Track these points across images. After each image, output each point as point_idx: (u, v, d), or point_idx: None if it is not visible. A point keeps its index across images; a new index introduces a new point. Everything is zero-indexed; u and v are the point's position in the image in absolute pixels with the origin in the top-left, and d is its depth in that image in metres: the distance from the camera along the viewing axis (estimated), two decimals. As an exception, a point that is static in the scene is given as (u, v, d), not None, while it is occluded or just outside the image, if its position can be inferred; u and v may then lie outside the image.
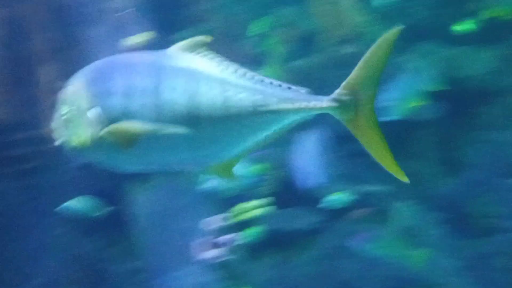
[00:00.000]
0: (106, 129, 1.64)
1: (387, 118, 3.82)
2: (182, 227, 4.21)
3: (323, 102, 1.70)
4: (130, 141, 1.62)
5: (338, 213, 4.32)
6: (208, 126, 1.62)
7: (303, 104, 1.68)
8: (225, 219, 4.16)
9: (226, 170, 1.74)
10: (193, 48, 1.69)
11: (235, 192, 4.16)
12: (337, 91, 1.72)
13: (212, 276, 4.18)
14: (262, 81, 1.69)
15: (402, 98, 3.90)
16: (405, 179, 1.72)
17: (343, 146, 4.17)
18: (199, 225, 4.17)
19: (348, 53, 4.44)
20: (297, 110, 1.68)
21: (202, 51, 1.71)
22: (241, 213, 4.19)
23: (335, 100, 1.71)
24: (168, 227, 4.21)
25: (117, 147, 1.65)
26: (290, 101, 1.67)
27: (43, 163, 4.53)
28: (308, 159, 4.27)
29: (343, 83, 1.72)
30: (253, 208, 4.20)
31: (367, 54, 1.69)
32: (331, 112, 1.71)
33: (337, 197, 4.26)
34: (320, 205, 4.20)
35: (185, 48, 1.70)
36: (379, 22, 4.45)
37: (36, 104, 4.59)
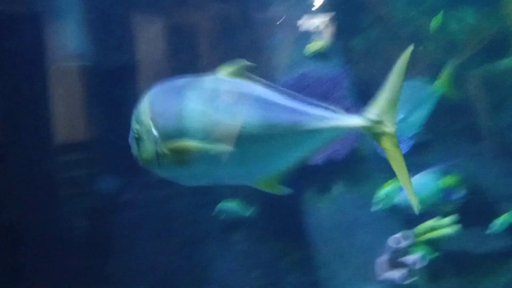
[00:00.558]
0: (165, 147, 1.85)
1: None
2: (365, 242, 4.06)
3: (356, 121, 1.88)
4: (186, 158, 1.84)
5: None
6: (253, 144, 1.84)
7: (338, 123, 1.86)
8: (409, 237, 3.93)
9: (271, 184, 1.96)
10: (239, 72, 1.89)
11: (422, 208, 3.91)
12: (368, 110, 1.89)
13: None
14: (302, 101, 1.89)
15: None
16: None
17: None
18: (383, 242, 3.99)
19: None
20: (332, 129, 1.87)
21: (246, 75, 1.89)
22: (427, 231, 3.92)
23: (367, 119, 1.88)
24: (350, 240, 4.08)
25: (176, 163, 1.86)
26: (327, 119, 1.86)
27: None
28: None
29: (373, 103, 1.88)
30: (440, 226, 3.92)
31: (391, 75, 1.85)
32: (362, 131, 1.89)
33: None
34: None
35: (232, 73, 1.90)
36: None
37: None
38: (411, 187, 1.88)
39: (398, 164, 1.86)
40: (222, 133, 1.82)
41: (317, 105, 1.91)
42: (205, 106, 1.85)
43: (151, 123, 1.88)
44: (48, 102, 4.42)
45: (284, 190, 2.00)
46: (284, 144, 1.88)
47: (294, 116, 1.88)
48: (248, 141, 1.85)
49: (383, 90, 1.88)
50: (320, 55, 4.46)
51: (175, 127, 1.85)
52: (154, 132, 1.87)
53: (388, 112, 1.87)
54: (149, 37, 4.95)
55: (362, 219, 4.10)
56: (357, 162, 4.17)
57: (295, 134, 1.88)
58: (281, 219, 4.44)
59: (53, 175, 4.51)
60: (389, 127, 1.88)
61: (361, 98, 4.50)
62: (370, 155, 4.29)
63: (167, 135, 1.86)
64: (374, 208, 3.89)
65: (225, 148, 1.83)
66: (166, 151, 1.86)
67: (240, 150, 1.84)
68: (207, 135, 1.83)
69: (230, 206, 4.36)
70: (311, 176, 4.20)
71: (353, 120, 1.90)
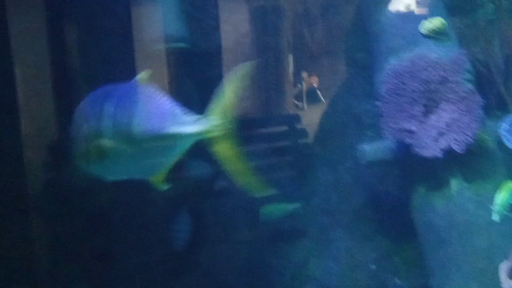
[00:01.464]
0: (89, 145, 2.10)
1: None
2: (484, 245, 3.60)
3: (197, 127, 2.09)
4: (99, 155, 2.09)
5: None
6: (141, 146, 2.09)
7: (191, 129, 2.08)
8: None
9: (159, 180, 2.22)
10: (146, 79, 2.18)
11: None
12: (207, 116, 2.10)
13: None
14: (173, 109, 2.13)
15: None
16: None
17: None
18: (505, 246, 3.53)
19: None
20: (188, 135, 2.10)
21: (150, 81, 2.16)
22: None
23: (208, 124, 2.10)
24: (467, 242, 3.63)
25: (95, 160, 2.11)
26: (184, 125, 2.08)
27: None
28: None
29: (211, 109, 2.11)
30: None
31: (227, 83, 2.08)
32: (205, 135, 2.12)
33: None
34: None
35: (142, 79, 2.20)
36: None
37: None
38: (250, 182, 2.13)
39: (233, 164, 2.13)
40: (123, 135, 2.10)
41: (185, 113, 2.17)
42: (113, 111, 2.11)
43: (82, 125, 2.16)
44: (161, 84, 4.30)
45: (164, 186, 2.25)
46: (157, 146, 2.12)
47: (160, 122, 2.12)
48: (138, 143, 2.11)
49: (219, 96, 2.14)
50: (437, 34, 4.00)
51: (96, 128, 2.11)
52: (83, 132, 2.14)
53: (226, 117, 2.14)
54: (244, 18, 4.79)
55: (482, 220, 3.64)
56: (480, 154, 3.70)
57: (162, 138, 2.11)
58: (389, 214, 4.05)
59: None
60: (226, 131, 2.15)
61: (480, 82, 4.03)
62: (495, 146, 3.82)
63: (91, 135, 2.12)
64: (495, 217, 3.46)
65: (121, 147, 2.09)
66: (90, 149, 2.12)
67: (133, 150, 2.11)
68: (116, 137, 2.10)
69: (273, 208, 4.12)
70: (426, 169, 3.78)
71: (196, 127, 2.13)
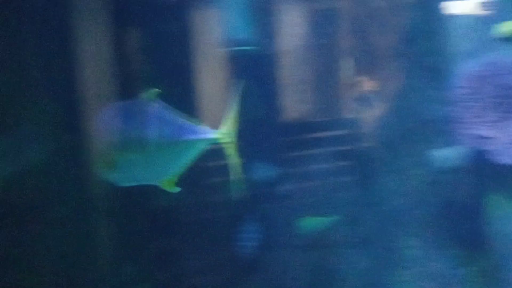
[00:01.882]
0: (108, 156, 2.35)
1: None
2: None
3: (216, 135, 2.47)
4: (111, 163, 2.34)
5: None
6: (150, 154, 2.35)
7: (205, 136, 2.43)
8: None
9: (170, 184, 2.44)
10: (152, 98, 2.42)
11: None
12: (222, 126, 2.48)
13: None
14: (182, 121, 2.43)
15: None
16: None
17: None
18: None
19: None
20: (201, 141, 2.42)
21: (155, 99, 2.40)
22: None
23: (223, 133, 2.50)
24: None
25: (112, 168, 2.35)
26: (197, 134, 2.41)
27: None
28: None
29: (223, 122, 2.49)
30: None
31: (232, 101, 2.48)
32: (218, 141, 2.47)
33: None
34: None
35: (149, 97, 2.42)
36: None
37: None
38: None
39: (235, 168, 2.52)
40: (134, 146, 2.36)
41: (193, 123, 2.48)
42: (125, 125, 2.39)
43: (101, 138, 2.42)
44: (206, 88, 4.30)
45: (176, 189, 2.47)
46: (169, 153, 2.41)
47: (173, 131, 2.42)
48: (151, 152, 2.38)
49: (228, 112, 2.50)
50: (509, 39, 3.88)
51: (112, 141, 2.37)
52: (104, 145, 2.39)
53: (232, 128, 2.51)
54: (304, 21, 4.75)
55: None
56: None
57: (174, 145, 2.41)
58: (462, 223, 3.93)
59: (206, 161, 4.41)
60: (232, 138, 2.51)
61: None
62: None
63: (110, 147, 2.38)
64: None
65: (133, 156, 2.36)
66: (108, 159, 2.37)
67: (144, 159, 2.37)
68: (126, 147, 2.37)
69: (311, 221, 4.07)
70: (502, 177, 3.66)
71: (212, 134, 2.49)
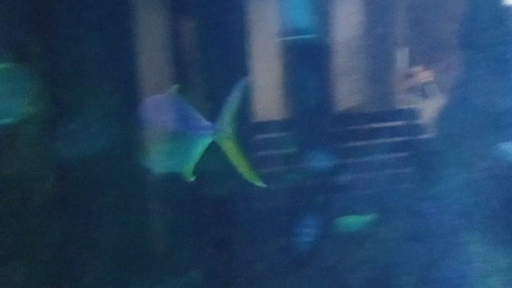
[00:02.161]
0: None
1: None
2: None
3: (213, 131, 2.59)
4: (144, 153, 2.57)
5: None
6: (173, 144, 2.56)
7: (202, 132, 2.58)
8: None
9: (188, 173, 2.61)
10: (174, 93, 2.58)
11: None
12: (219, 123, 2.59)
13: None
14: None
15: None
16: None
17: None
18: None
19: None
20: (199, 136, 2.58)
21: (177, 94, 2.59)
22: None
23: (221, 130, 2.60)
24: None
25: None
26: (196, 129, 2.58)
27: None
28: None
29: (220, 119, 2.58)
30: None
31: (230, 98, 2.56)
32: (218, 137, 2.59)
33: None
34: None
35: (172, 93, 2.58)
36: None
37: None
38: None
39: (237, 159, 2.57)
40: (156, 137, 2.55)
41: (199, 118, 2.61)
42: (154, 118, 2.59)
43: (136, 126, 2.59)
44: (265, 77, 4.29)
45: (192, 178, 2.62)
46: (180, 146, 2.57)
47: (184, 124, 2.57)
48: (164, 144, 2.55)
49: (225, 108, 2.55)
50: None
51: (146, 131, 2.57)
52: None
53: (230, 124, 2.56)
54: (365, 9, 4.68)
55: None
56: None
57: (185, 138, 2.57)
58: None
59: (262, 150, 4.43)
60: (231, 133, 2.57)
61: None
62: None
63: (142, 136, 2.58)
64: None
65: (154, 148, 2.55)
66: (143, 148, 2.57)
67: (165, 150, 2.55)
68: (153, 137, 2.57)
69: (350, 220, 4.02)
70: None
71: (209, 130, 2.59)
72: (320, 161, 4.25)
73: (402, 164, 4.43)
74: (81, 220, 3.66)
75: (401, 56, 4.90)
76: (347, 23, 4.79)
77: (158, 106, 2.63)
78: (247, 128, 4.27)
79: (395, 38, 4.89)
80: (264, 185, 2.58)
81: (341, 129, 4.63)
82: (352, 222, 4.05)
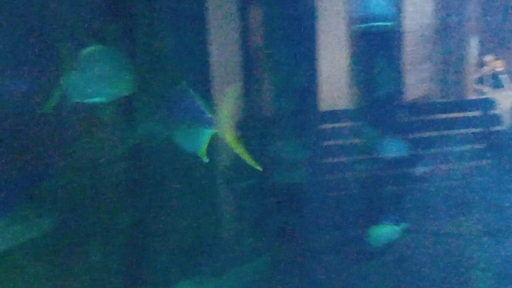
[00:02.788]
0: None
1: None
2: None
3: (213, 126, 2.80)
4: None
5: None
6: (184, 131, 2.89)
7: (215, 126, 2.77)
8: None
9: (203, 154, 2.88)
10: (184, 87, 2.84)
11: None
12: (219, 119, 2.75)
13: None
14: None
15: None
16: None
17: None
18: None
19: None
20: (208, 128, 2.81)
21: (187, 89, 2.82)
22: None
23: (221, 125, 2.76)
24: None
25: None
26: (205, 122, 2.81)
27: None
28: None
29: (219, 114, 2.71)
30: None
31: (226, 98, 2.68)
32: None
33: None
34: None
35: (182, 88, 2.82)
36: None
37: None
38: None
39: (238, 148, 2.67)
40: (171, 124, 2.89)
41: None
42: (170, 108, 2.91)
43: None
44: (335, 66, 4.24)
45: (206, 159, 2.78)
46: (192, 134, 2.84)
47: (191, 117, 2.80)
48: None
49: (221, 108, 2.68)
50: None
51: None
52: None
53: (228, 120, 2.71)
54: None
55: None
56: None
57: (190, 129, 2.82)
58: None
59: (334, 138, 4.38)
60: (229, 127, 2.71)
61: None
62: None
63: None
64: None
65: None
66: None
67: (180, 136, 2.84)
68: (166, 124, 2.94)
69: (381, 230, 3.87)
70: None
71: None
72: (392, 151, 4.16)
73: (476, 156, 4.28)
74: (153, 204, 3.71)
75: (474, 45, 4.75)
76: (420, 11, 4.67)
77: (173, 100, 2.94)
78: (319, 118, 4.23)
79: (469, 27, 4.74)
80: (260, 169, 2.75)
81: (413, 118, 4.52)
82: (384, 232, 3.91)
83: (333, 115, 4.38)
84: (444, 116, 4.52)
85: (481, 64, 4.84)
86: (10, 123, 2.91)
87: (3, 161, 2.88)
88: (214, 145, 3.97)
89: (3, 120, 2.86)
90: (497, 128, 4.37)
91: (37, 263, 3.04)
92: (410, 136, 4.36)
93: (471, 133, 4.36)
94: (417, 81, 4.74)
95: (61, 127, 3.12)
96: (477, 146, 4.32)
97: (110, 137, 3.45)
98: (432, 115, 4.52)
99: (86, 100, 2.84)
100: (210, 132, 2.89)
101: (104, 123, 3.41)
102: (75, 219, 3.24)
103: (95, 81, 2.83)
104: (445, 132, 4.35)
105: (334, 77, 4.34)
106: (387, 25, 4.46)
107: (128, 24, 3.46)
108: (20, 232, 2.96)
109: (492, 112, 4.48)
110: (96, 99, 2.87)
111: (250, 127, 4.18)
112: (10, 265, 2.89)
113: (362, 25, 4.45)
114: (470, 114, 4.57)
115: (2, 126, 2.86)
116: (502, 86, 4.71)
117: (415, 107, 4.58)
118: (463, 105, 4.70)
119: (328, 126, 4.34)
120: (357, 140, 4.31)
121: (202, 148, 2.95)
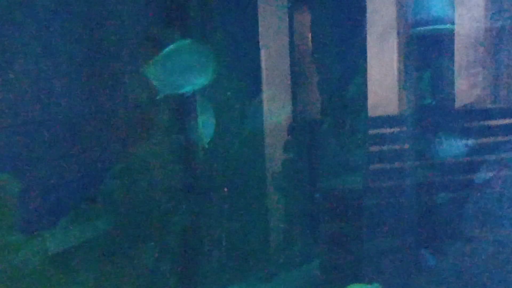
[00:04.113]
0: None
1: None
2: None
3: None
4: None
5: None
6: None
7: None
8: None
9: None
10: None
11: None
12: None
13: None
14: None
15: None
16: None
17: None
18: None
19: None
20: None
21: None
22: None
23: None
24: None
25: None
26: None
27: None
28: None
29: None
30: None
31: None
32: None
33: None
34: None
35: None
36: None
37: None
38: None
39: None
40: None
41: None
42: None
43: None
44: (396, 67, 4.18)
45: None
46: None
47: None
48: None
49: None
50: None
51: None
52: None
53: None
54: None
55: None
56: None
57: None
58: None
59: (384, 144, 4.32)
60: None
61: None
62: None
63: None
64: None
65: None
66: None
67: None
68: None
69: None
70: None
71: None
72: (449, 156, 4.06)
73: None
74: (205, 207, 3.73)
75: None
76: (473, 14, 4.57)
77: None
78: (369, 123, 4.18)
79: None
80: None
81: (467, 124, 4.41)
82: None
83: (386, 120, 4.32)
84: (500, 122, 4.40)
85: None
86: (69, 125, 2.98)
87: (62, 163, 2.94)
88: (265, 150, 3.92)
89: (64, 122, 2.93)
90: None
91: (93, 264, 3.09)
92: (464, 142, 4.25)
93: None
94: (470, 86, 4.64)
95: (118, 129, 3.18)
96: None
97: (165, 139, 3.49)
98: (488, 121, 4.41)
99: (176, 91, 2.92)
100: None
101: (159, 125, 3.46)
102: (130, 221, 3.28)
103: (183, 72, 2.91)
104: (497, 139, 4.23)
105: (386, 82, 4.28)
106: (443, 29, 4.38)
107: (183, 30, 3.51)
108: (77, 233, 3.02)
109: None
110: (185, 89, 2.97)
111: (302, 131, 4.16)
112: (67, 265, 2.95)
113: (416, 29, 4.38)
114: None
115: (62, 128, 2.92)
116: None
117: (469, 112, 4.47)
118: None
119: (382, 131, 4.28)
120: (413, 145, 4.23)
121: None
